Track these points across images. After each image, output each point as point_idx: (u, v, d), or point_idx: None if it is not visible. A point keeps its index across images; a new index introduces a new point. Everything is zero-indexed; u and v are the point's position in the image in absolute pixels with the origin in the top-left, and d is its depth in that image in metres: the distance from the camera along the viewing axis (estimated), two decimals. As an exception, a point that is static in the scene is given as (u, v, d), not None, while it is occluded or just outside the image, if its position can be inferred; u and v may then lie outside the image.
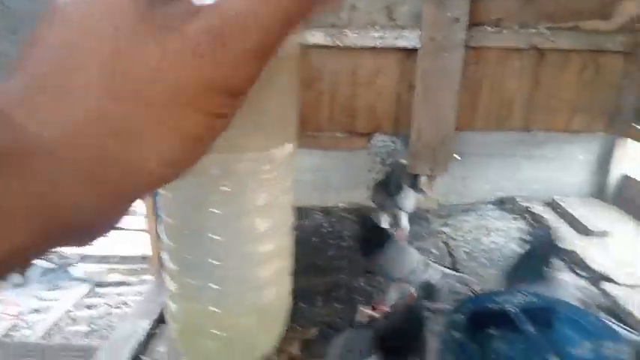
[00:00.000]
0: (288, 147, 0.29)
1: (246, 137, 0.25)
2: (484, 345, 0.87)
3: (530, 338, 0.86)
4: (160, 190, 0.27)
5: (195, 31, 0.19)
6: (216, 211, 0.27)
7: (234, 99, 0.20)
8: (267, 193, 0.28)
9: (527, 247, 1.38)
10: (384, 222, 2.02)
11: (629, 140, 2.57)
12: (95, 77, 0.19)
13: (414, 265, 1.41)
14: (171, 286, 0.32)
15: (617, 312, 1.76)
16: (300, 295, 1.40)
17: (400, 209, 2.10)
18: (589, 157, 2.65)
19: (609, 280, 1.92)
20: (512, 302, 0.95)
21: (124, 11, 0.19)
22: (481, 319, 0.92)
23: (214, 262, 0.28)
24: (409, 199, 2.09)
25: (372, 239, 1.53)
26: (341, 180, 2.63)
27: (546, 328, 0.92)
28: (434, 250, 2.11)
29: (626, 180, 2.60)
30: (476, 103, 2.55)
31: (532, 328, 0.88)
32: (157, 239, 1.86)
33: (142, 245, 2.03)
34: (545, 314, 0.94)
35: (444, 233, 2.31)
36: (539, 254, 1.33)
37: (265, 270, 0.30)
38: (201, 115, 0.20)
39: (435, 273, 1.40)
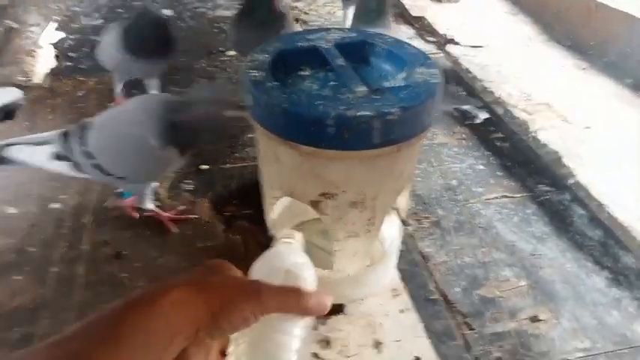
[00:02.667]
0: None
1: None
2: (293, 86, 0.77)
3: (340, 73, 0.78)
4: None
5: None
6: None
7: None
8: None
9: None
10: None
11: None
12: None
13: None
14: None
15: (458, 71, 1.80)
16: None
17: None
18: None
19: (454, 42, 1.93)
20: (326, 39, 0.85)
21: None
22: (292, 59, 0.81)
23: None
24: None
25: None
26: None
27: (362, 63, 0.84)
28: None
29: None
30: None
31: (344, 63, 0.80)
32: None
33: None
34: (361, 50, 0.85)
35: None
36: None
37: None
38: None
39: None
